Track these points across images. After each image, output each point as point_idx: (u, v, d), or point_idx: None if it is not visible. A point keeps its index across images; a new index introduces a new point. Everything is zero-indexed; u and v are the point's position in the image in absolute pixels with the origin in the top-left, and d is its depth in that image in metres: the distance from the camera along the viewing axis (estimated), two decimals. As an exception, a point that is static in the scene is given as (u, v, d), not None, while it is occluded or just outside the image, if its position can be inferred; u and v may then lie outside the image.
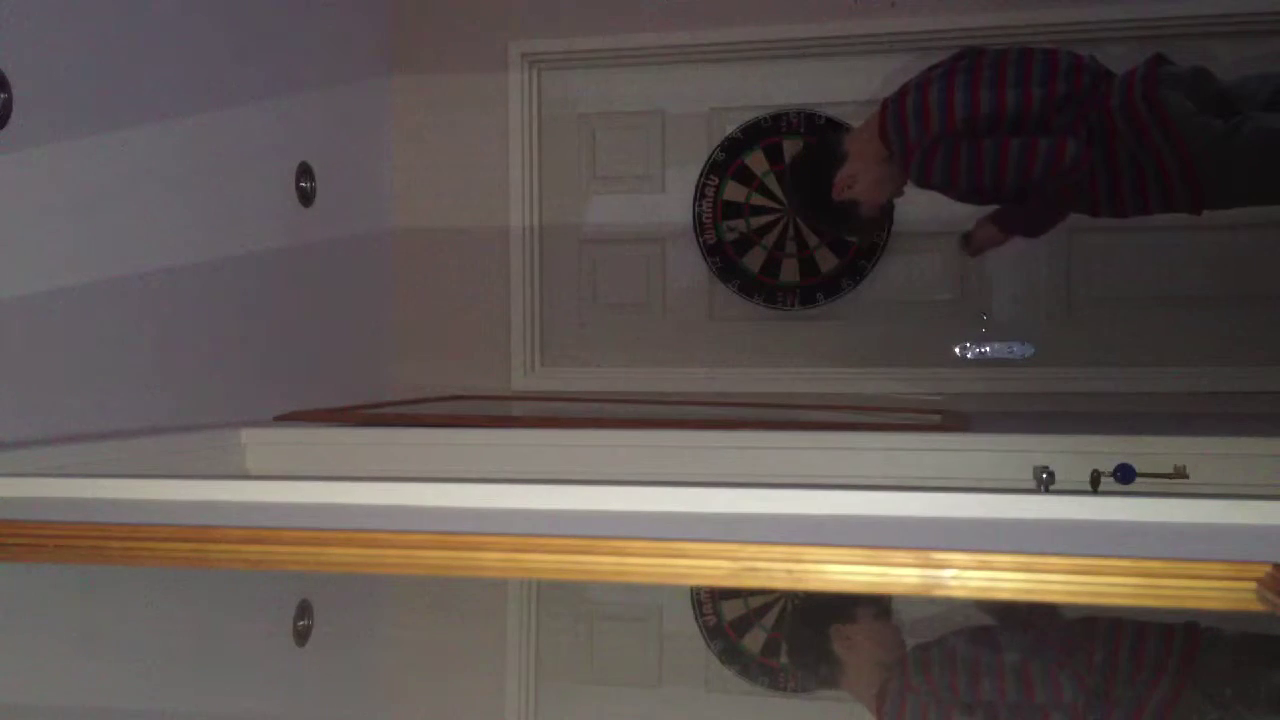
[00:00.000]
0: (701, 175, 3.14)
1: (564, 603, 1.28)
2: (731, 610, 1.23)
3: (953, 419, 2.20)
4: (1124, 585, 0.93)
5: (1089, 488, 1.85)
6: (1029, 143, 2.17)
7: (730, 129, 3.13)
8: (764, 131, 3.10)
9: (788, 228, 3.11)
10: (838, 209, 2.45)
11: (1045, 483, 1.83)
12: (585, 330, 3.22)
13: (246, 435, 2.09)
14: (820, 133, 3.02)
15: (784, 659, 1.14)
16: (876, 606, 1.16)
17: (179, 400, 2.14)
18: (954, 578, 0.95)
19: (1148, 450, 1.88)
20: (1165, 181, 2.18)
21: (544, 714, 0.99)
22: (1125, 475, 1.85)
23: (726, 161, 3.13)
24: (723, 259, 3.13)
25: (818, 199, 2.47)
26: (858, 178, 2.40)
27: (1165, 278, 2.92)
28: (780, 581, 1.01)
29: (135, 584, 1.23)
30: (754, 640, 1.17)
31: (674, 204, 3.17)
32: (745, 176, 3.12)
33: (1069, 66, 2.23)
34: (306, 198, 2.64)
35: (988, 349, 3.01)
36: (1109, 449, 1.89)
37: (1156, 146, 2.14)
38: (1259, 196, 2.25)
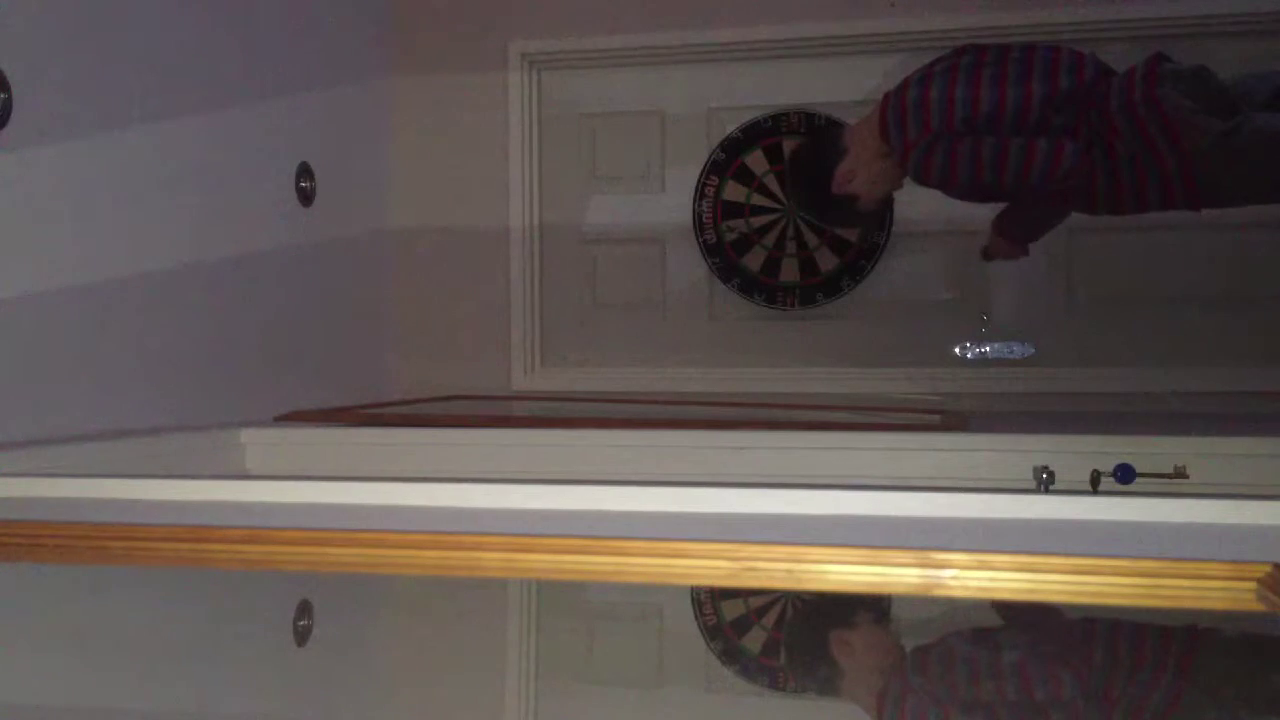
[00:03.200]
0: (701, 175, 3.13)
1: (564, 603, 1.28)
2: (731, 610, 1.23)
3: (953, 419, 2.20)
4: (1124, 585, 0.93)
5: (1089, 488, 1.85)
6: (1027, 145, 2.17)
7: (730, 129, 3.13)
8: (764, 131, 3.10)
9: (788, 228, 3.11)
10: (837, 203, 2.45)
11: (1045, 483, 1.83)
12: (585, 330, 3.22)
13: (246, 435, 2.09)
14: (820, 130, 3.02)
15: (784, 659, 1.14)
16: (877, 607, 1.15)
17: (179, 400, 2.14)
18: (954, 578, 0.95)
19: (1148, 450, 1.88)
20: (1164, 180, 2.18)
21: (544, 714, 0.99)
22: (1125, 475, 1.85)
23: (726, 161, 3.13)
24: (723, 259, 3.13)
25: (818, 193, 2.47)
26: (857, 172, 2.40)
27: (1165, 278, 2.92)
28: (780, 581, 1.01)
29: (135, 584, 1.23)
30: (754, 640, 1.17)
31: (674, 204, 3.17)
32: (745, 176, 3.12)
33: (1071, 63, 2.23)
34: (306, 198, 2.64)
35: (988, 349, 3.01)
36: (1109, 449, 1.89)
37: (1155, 144, 2.14)
38: (1258, 195, 2.25)
